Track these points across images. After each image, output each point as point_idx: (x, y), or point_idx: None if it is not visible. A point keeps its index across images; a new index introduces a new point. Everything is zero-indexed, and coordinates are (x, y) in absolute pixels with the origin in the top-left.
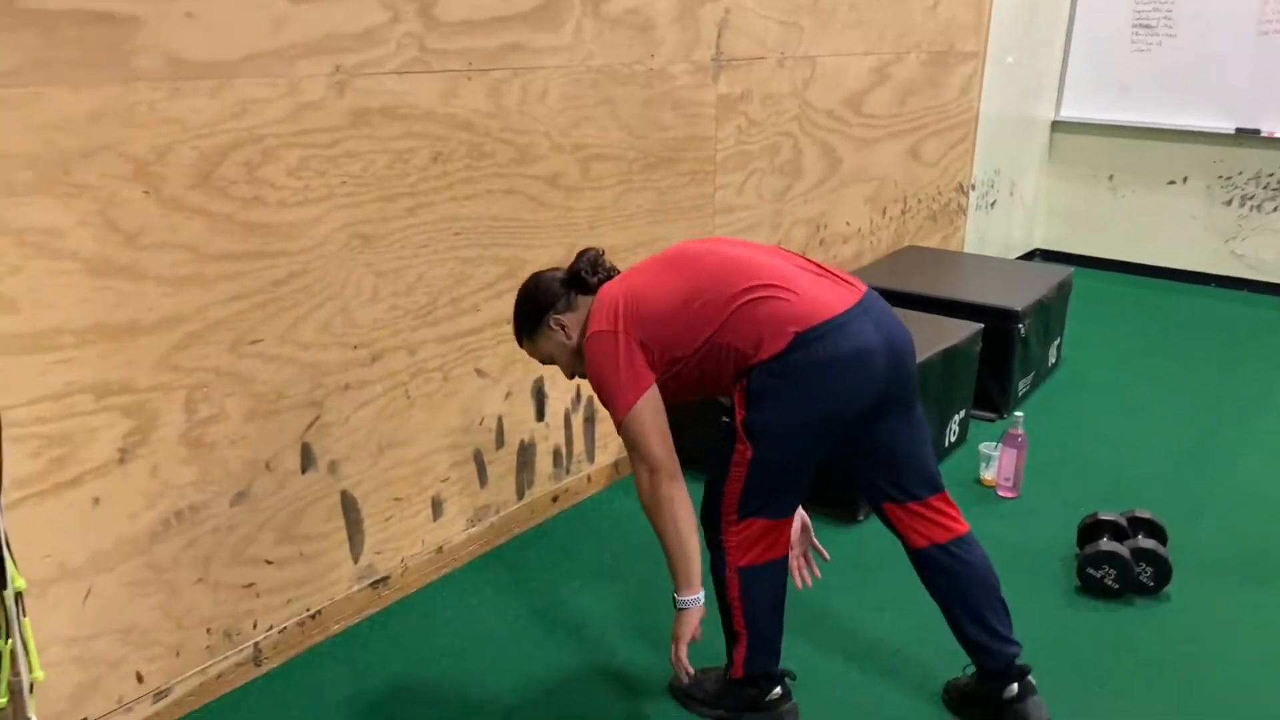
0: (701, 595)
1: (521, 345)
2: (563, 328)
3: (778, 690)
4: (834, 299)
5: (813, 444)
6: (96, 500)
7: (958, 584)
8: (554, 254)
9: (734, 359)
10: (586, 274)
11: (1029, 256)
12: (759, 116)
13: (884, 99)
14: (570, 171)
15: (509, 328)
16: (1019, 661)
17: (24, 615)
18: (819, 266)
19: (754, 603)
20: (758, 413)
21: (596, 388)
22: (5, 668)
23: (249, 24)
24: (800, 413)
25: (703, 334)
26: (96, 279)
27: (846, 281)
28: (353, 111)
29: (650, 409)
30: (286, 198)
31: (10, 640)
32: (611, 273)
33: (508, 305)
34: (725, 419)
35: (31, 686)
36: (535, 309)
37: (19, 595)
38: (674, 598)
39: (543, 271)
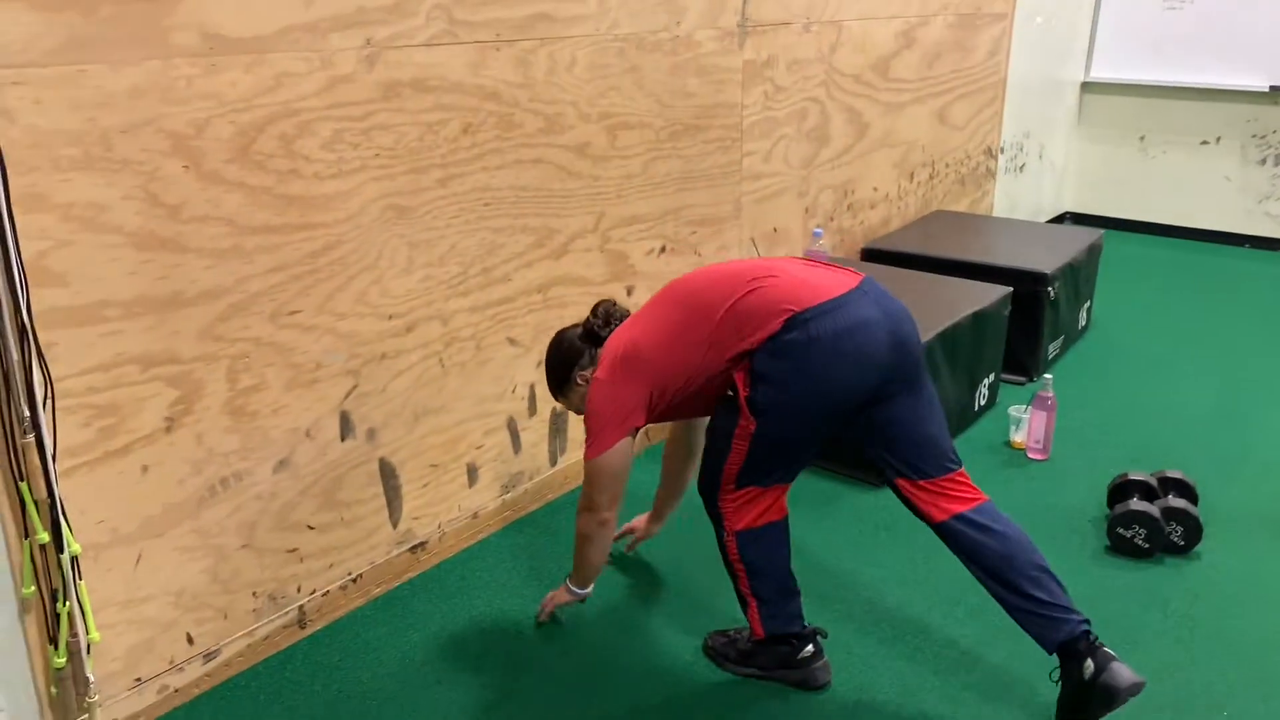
0: (585, 594)
1: (558, 400)
2: (587, 382)
3: (809, 648)
4: (830, 283)
5: (816, 423)
6: (145, 468)
7: (987, 552)
8: (582, 222)
9: (736, 356)
10: (599, 329)
11: (1059, 220)
12: (785, 82)
13: (911, 62)
14: (598, 140)
15: (539, 296)
16: (1087, 633)
17: (80, 578)
18: (817, 263)
19: (754, 565)
20: (763, 390)
21: (585, 425)
22: (64, 629)
23: None
24: (804, 391)
25: (702, 346)
26: (141, 252)
27: (843, 270)
28: (384, 84)
29: (611, 462)
30: (321, 170)
31: (68, 603)
32: (624, 319)
33: (538, 274)
34: (730, 393)
35: (89, 647)
36: (562, 368)
37: (74, 559)
38: (567, 580)
39: (564, 330)
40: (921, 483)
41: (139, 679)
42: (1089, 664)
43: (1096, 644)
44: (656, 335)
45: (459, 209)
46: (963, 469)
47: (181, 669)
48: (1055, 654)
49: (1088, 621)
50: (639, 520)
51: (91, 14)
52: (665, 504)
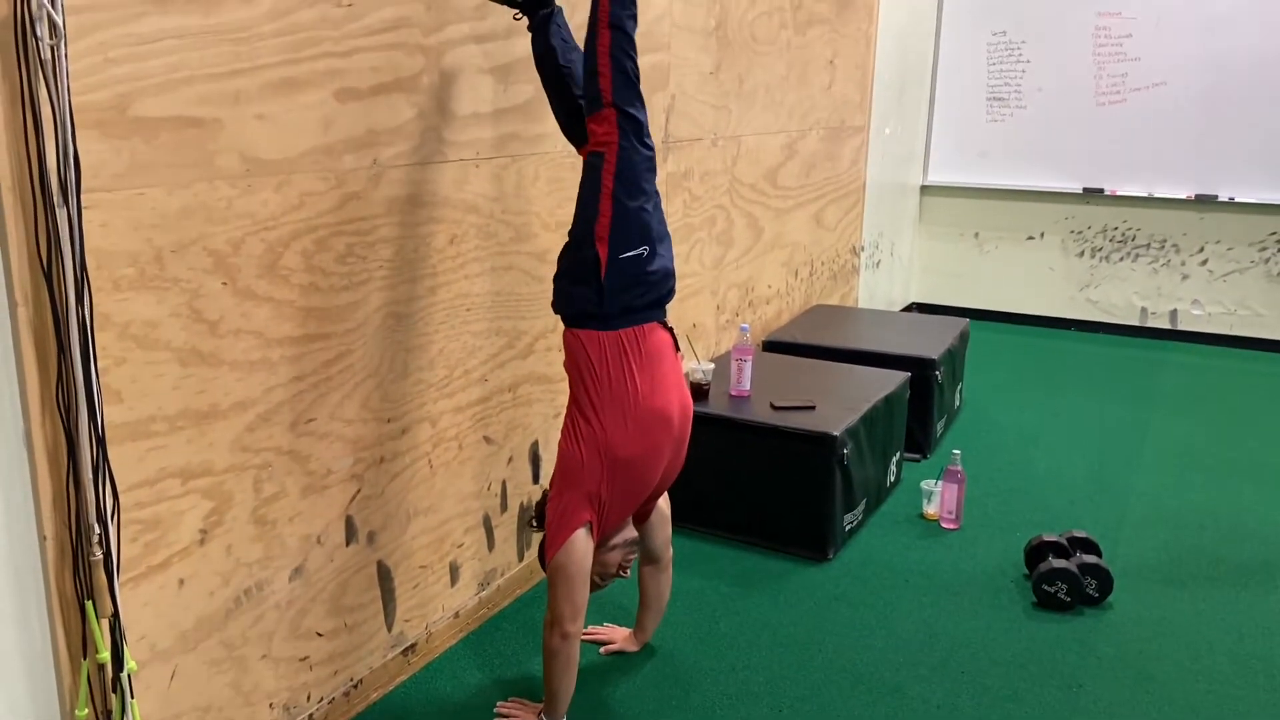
0: None
1: None
2: None
3: None
4: None
5: None
6: (182, 581)
7: None
8: (543, 324)
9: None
10: None
11: (907, 309)
12: (699, 192)
13: (794, 171)
14: (556, 248)
15: (510, 395)
16: None
17: (133, 697)
18: None
19: None
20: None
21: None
22: None
23: (305, 123)
24: None
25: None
26: (184, 367)
27: None
28: (387, 200)
29: (567, 560)
30: (336, 283)
31: None
32: None
33: (509, 374)
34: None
35: None
36: None
37: (130, 677)
38: (540, 714)
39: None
40: None
41: None
42: None
43: None
44: (564, 433)
45: (446, 315)
46: None
47: None
48: None
49: None
50: (618, 631)
51: (152, 140)
52: (645, 623)
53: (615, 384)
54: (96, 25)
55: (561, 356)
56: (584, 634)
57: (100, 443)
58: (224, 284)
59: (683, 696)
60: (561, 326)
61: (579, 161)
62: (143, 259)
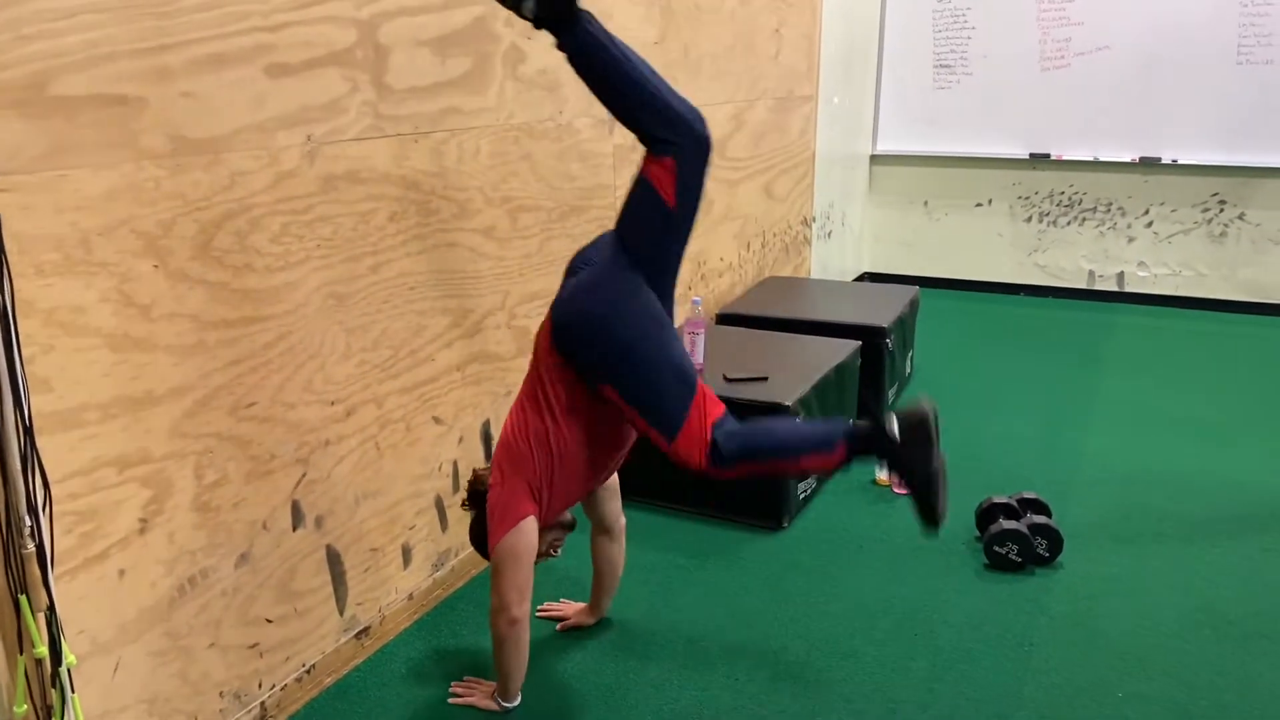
0: (512, 706)
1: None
2: None
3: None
4: None
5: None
6: (122, 572)
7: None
8: (492, 301)
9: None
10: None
11: (860, 279)
12: None
13: (743, 142)
14: (501, 223)
15: (459, 375)
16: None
17: (74, 692)
18: None
19: (748, 448)
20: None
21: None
22: None
23: (235, 100)
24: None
25: (535, 403)
26: (117, 353)
27: None
28: (323, 178)
29: (510, 546)
30: (271, 263)
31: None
32: None
33: (456, 354)
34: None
35: None
36: (486, 533)
37: (69, 672)
38: (494, 693)
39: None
40: None
41: None
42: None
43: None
44: (514, 419)
45: (388, 294)
46: None
47: None
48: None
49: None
50: (572, 606)
51: (73, 119)
52: (600, 596)
53: (583, 403)
54: (7, 0)
55: (510, 335)
56: (538, 611)
57: (28, 433)
58: (155, 267)
59: (639, 669)
60: (510, 304)
61: (521, 135)
62: (68, 243)
